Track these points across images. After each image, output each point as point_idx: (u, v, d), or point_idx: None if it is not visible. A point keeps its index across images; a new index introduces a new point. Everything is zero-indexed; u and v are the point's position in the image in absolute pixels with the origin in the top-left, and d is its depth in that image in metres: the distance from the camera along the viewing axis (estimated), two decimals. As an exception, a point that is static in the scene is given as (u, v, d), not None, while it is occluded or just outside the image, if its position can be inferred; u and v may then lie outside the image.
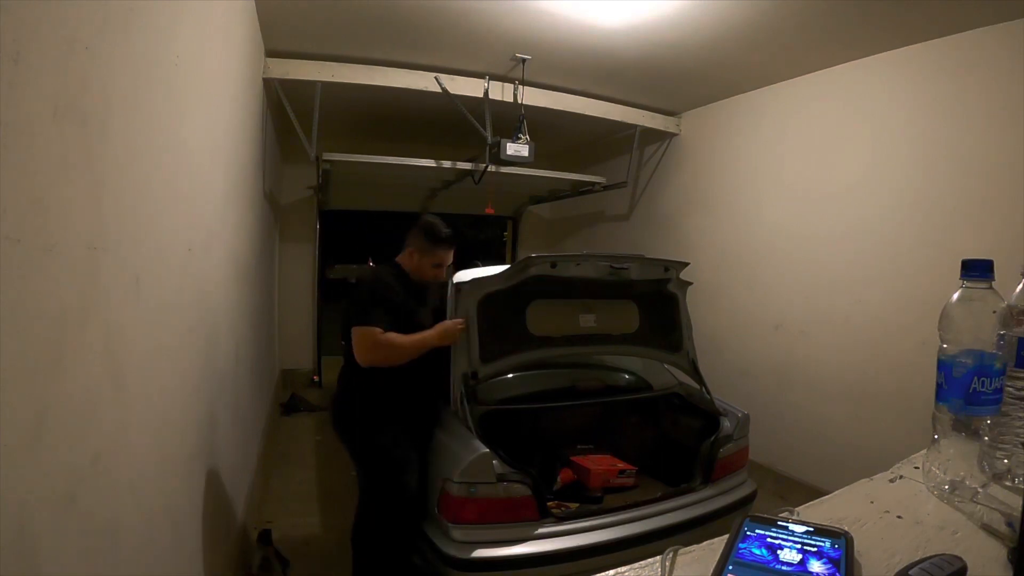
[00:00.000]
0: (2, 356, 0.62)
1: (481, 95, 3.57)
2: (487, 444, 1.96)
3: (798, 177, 3.51)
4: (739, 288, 3.90)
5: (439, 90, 3.47)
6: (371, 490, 2.12)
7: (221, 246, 2.08)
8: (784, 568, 0.56)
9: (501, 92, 3.63)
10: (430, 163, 3.94)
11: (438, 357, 2.19)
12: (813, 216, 3.39)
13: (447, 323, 2.16)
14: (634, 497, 2.27)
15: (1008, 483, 0.73)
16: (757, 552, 0.58)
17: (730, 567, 0.55)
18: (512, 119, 3.67)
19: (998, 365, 0.71)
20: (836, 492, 0.77)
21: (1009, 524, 0.62)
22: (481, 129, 3.65)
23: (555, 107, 3.87)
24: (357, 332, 2.02)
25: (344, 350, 2.17)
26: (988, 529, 0.64)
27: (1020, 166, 2.40)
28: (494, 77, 3.57)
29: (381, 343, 2.00)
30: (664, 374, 2.87)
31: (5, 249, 0.62)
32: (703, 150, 4.31)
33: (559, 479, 2.44)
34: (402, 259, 2.24)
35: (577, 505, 2.27)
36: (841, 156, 3.23)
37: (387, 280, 2.15)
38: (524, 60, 3.34)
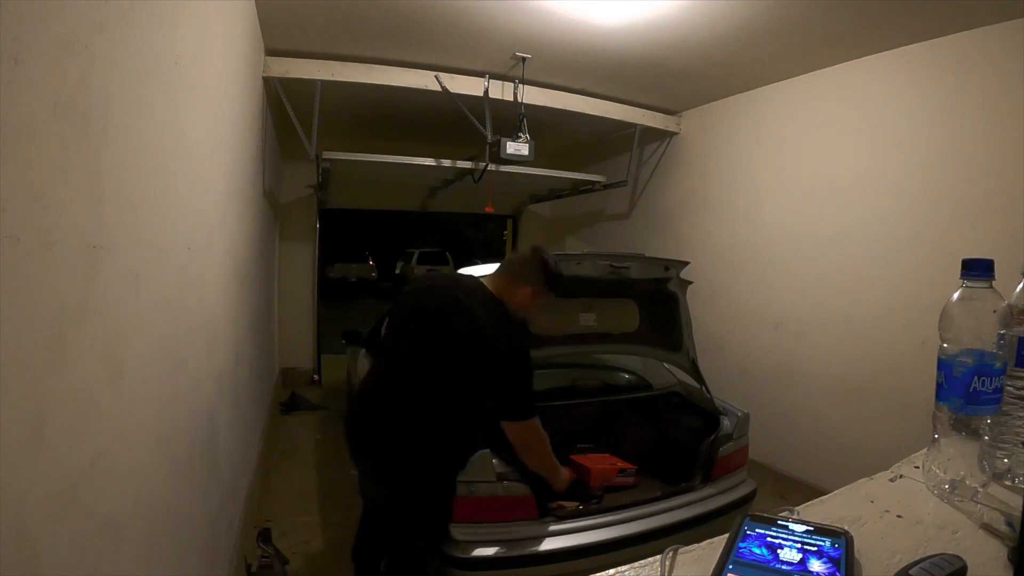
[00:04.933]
0: (2, 354, 0.62)
1: (481, 94, 3.56)
2: (487, 443, 1.96)
3: (798, 176, 3.50)
4: (739, 287, 3.90)
5: (439, 89, 3.47)
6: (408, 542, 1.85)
7: (221, 245, 2.07)
8: (784, 567, 0.56)
9: (501, 91, 3.63)
10: (430, 162, 3.93)
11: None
12: (813, 215, 3.39)
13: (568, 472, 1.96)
14: (634, 496, 2.27)
15: (1008, 482, 0.72)
16: (757, 551, 0.58)
17: (730, 566, 0.55)
18: (512, 118, 3.66)
19: (998, 364, 0.71)
20: (836, 491, 0.77)
21: (1009, 524, 0.62)
22: (481, 128, 3.65)
23: (555, 106, 3.86)
24: (533, 426, 1.75)
25: (447, 408, 1.72)
26: (988, 529, 0.64)
27: (1020, 166, 2.39)
28: (494, 76, 3.56)
29: (544, 437, 1.78)
30: (664, 373, 2.86)
31: (5, 247, 0.62)
32: (703, 149, 4.31)
33: None
34: (506, 291, 1.75)
35: (577, 504, 2.27)
36: (841, 155, 3.23)
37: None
38: (524, 59, 3.33)
